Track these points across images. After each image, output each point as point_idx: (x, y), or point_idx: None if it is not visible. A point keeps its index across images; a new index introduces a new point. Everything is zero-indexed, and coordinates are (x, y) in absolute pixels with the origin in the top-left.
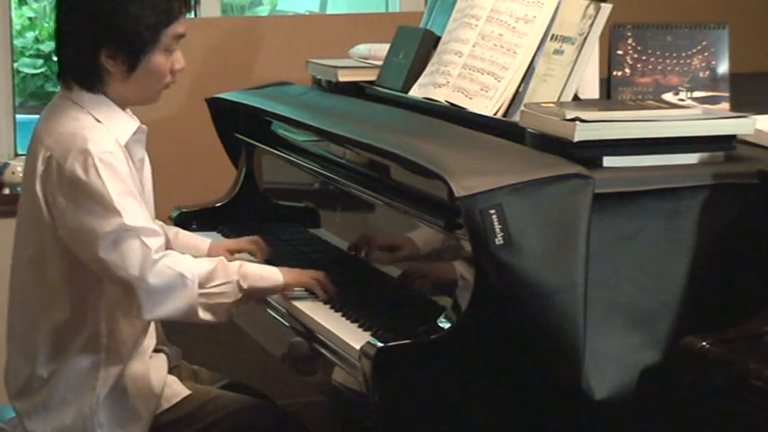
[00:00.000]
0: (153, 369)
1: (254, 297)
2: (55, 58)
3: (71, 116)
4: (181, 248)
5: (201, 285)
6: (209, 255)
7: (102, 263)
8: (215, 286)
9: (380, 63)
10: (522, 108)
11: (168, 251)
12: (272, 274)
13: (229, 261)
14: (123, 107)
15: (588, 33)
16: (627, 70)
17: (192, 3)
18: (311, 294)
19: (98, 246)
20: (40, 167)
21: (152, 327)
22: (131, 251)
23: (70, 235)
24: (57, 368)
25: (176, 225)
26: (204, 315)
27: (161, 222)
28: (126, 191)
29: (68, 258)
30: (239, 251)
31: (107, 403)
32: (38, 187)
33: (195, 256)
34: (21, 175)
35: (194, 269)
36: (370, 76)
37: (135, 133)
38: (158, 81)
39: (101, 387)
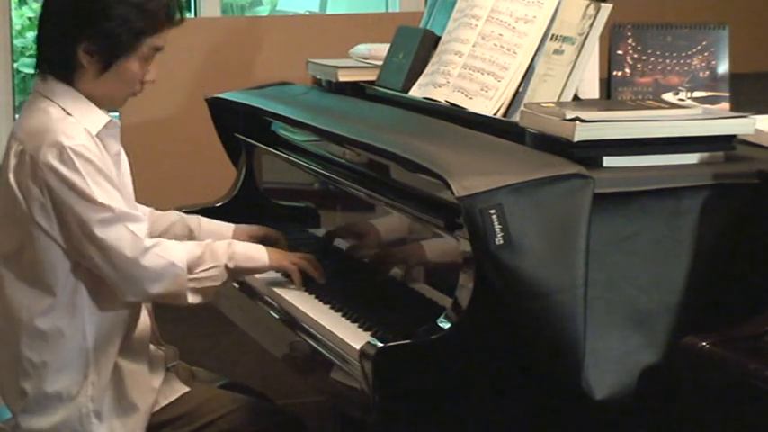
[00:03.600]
0: (150, 364)
1: (240, 276)
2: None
3: (41, 109)
4: (205, 236)
5: (191, 270)
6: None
7: (96, 242)
8: (203, 270)
9: (380, 63)
10: (522, 108)
11: (157, 239)
12: (259, 255)
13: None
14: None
15: (588, 33)
16: (627, 70)
17: (178, 18)
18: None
19: (90, 230)
20: (12, 161)
21: (147, 324)
22: (120, 238)
23: (59, 226)
24: (42, 360)
25: None
26: (193, 299)
27: (181, 214)
28: (104, 179)
29: (47, 248)
30: (263, 237)
31: (104, 395)
32: (12, 180)
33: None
34: None
35: (184, 256)
36: (370, 76)
37: (107, 127)
38: (128, 87)
39: (93, 376)
